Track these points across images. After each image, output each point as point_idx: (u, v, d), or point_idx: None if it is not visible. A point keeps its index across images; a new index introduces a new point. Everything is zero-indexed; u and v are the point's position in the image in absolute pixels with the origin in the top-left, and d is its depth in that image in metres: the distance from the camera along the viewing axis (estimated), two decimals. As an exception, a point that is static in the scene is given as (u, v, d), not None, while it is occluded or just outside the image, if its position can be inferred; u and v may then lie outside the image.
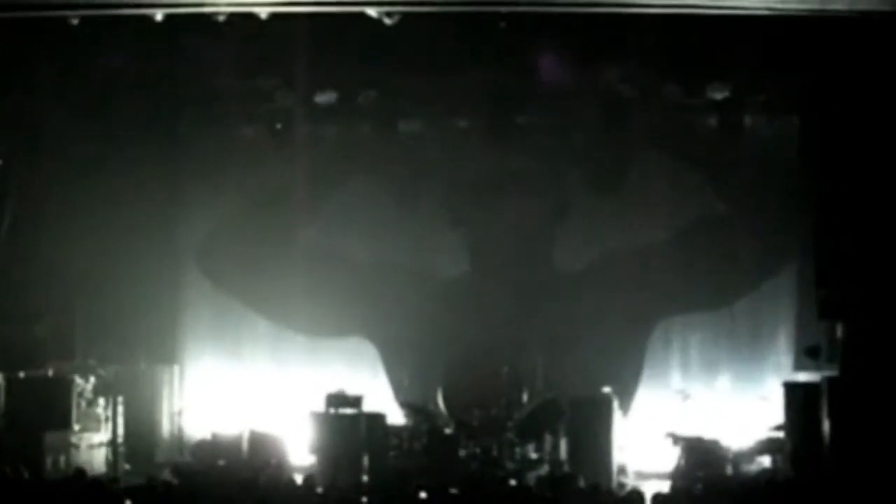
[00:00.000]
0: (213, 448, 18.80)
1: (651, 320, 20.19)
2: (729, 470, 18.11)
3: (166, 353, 20.51)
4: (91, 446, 18.67)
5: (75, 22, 17.31)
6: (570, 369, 19.56)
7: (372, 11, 16.93)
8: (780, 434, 18.21)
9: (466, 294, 20.37)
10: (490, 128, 20.11)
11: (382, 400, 19.61)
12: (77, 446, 18.40)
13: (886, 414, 16.71)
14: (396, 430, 18.73)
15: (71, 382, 18.74)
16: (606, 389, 18.69)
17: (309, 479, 16.02)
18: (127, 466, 19.15)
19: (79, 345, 19.78)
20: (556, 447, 18.50)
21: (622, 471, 18.53)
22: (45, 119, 19.09)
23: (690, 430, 18.55)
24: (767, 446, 18.42)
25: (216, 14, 17.10)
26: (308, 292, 20.29)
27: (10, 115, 18.71)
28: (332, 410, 18.55)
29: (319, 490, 15.45)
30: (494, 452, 18.32)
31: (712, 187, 20.25)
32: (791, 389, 18.18)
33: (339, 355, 20.41)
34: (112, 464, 18.99)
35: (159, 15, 17.05)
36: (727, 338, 20.17)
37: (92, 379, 19.09)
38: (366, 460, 18.17)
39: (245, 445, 18.72)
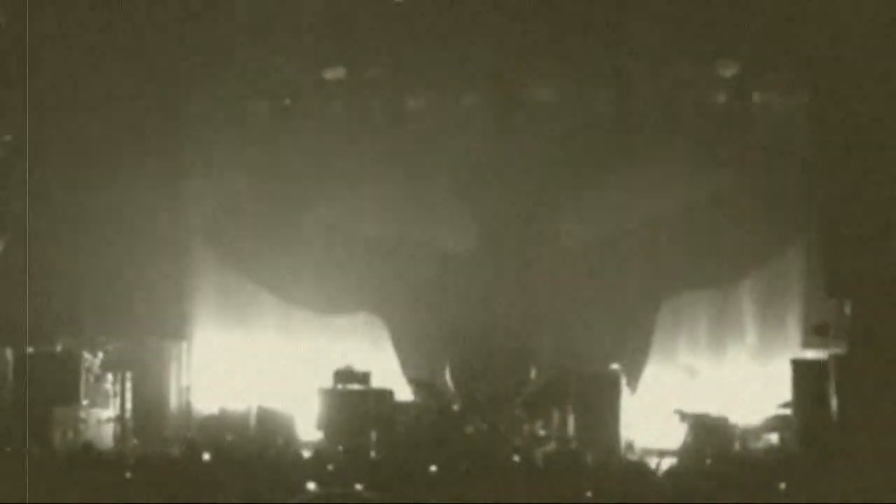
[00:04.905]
0: (220, 424, 18.84)
1: (659, 296, 20.13)
2: (736, 447, 18.11)
3: (175, 328, 20.49)
4: (99, 421, 18.67)
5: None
6: (578, 345, 19.56)
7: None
8: (788, 411, 18.21)
9: (474, 270, 20.32)
10: (498, 103, 20.07)
11: (390, 376, 19.63)
12: (85, 421, 18.40)
13: (894, 391, 16.69)
14: (404, 407, 18.75)
15: (79, 358, 18.75)
16: (614, 366, 18.74)
17: (317, 455, 16.07)
18: (135, 441, 19.17)
19: (87, 320, 19.78)
20: (563, 424, 18.52)
21: (629, 447, 18.54)
22: (51, 96, 19.08)
23: (698, 407, 18.55)
24: (775, 424, 18.41)
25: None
26: (316, 268, 20.30)
27: (17, 91, 18.71)
28: (340, 386, 18.60)
29: (328, 466, 15.51)
30: (502, 429, 18.33)
31: (721, 164, 20.15)
32: (799, 367, 18.17)
33: (348, 331, 20.40)
34: (120, 439, 19.02)
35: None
36: (735, 315, 20.13)
37: (100, 354, 19.10)
38: (373, 436, 18.20)
39: (253, 421, 18.75)
